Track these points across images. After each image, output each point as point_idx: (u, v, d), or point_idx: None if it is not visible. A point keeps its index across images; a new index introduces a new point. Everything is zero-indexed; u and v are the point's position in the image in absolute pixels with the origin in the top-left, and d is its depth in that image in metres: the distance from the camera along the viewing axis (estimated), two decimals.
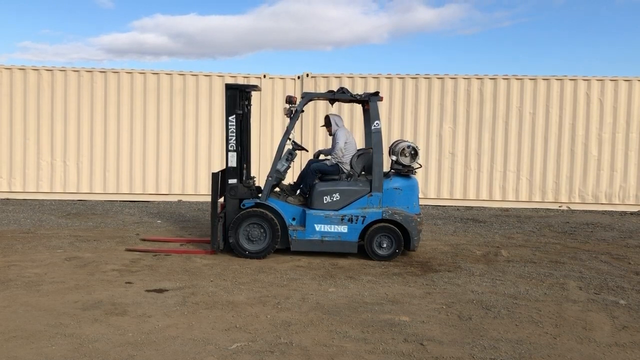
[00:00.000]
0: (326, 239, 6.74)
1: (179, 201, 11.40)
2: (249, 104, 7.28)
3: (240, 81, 11.45)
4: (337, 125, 7.07)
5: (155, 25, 39.72)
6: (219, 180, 6.87)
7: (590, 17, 32.79)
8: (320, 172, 7.03)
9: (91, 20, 40.47)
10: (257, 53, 41.51)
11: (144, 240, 7.63)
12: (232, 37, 38.81)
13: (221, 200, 7.04)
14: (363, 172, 7.07)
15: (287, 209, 6.85)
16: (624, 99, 11.37)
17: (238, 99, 6.85)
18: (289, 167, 7.03)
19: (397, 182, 6.90)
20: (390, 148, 7.27)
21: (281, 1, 39.93)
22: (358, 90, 11.24)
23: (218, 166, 11.37)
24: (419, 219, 6.84)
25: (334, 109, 10.90)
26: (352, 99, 7.00)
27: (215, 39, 40.08)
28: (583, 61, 32.44)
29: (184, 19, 39.18)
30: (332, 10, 38.25)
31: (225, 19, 39.32)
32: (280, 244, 6.76)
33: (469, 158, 11.55)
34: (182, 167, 11.45)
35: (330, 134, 7.18)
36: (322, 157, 7.54)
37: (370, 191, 6.78)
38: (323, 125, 7.34)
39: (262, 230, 6.72)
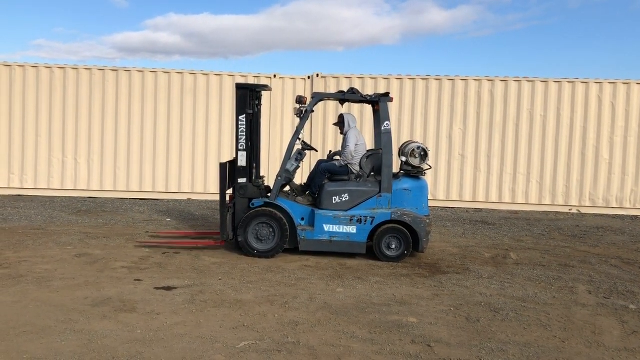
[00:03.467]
0: (335, 239, 6.75)
1: (189, 199, 11.45)
2: (259, 104, 7.29)
3: (251, 81, 11.48)
4: (349, 125, 7.07)
5: (168, 24, 39.94)
6: (227, 171, 6.89)
7: (604, 20, 32.56)
8: (329, 172, 7.03)
9: (105, 19, 40.78)
10: (269, 53, 41.60)
11: (154, 235, 7.69)
12: (244, 37, 38.95)
13: (229, 192, 7.06)
14: (372, 173, 7.06)
15: (296, 209, 6.86)
16: (636, 102, 11.27)
17: (248, 98, 6.88)
18: (298, 167, 7.04)
19: (406, 183, 6.89)
20: (400, 149, 7.26)
21: (293, 2, 39.98)
22: (368, 90, 11.23)
23: None
24: (428, 221, 6.83)
25: (344, 109, 10.90)
26: (363, 99, 7.00)
27: (228, 39, 40.23)
28: (595, 64, 32.22)
29: (197, 18, 39.36)
30: (345, 11, 38.24)
31: (237, 19, 39.45)
32: (289, 243, 6.77)
33: (478, 160, 11.50)
34: (192, 165, 11.49)
35: (341, 133, 7.19)
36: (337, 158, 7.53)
37: (380, 192, 6.77)
38: (335, 124, 7.35)
39: (271, 230, 6.74)
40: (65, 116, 11.26)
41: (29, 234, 7.64)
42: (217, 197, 11.38)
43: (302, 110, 6.80)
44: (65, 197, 11.14)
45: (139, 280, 5.61)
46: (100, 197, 11.27)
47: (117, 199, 11.26)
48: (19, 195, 11.14)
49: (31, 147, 11.24)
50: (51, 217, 9.00)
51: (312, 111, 6.98)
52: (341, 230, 6.74)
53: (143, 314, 4.60)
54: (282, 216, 6.73)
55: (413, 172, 6.95)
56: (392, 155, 6.82)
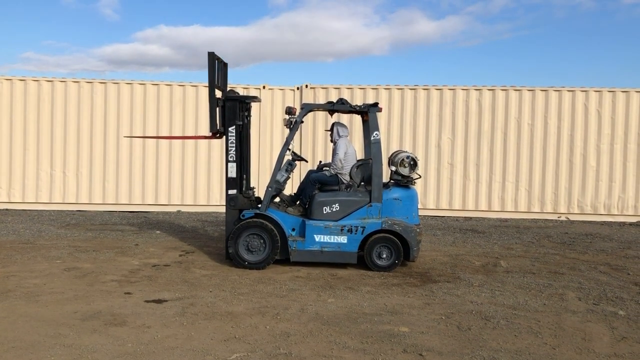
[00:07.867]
0: (326, 249, 6.75)
1: (178, 211, 11.40)
2: (249, 115, 7.31)
3: (240, 92, 11.44)
4: (338, 134, 7.10)
5: (158, 36, 39.93)
6: (215, 61, 6.85)
7: (590, 30, 33.02)
8: (319, 182, 7.05)
9: (96, 31, 40.69)
10: (259, 64, 41.70)
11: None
12: (234, 49, 39.00)
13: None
14: (362, 183, 7.08)
15: (287, 220, 6.86)
16: (621, 110, 11.43)
17: (238, 110, 6.90)
18: (288, 177, 7.05)
19: (396, 193, 6.92)
20: (389, 159, 7.29)
21: (283, 13, 40.20)
22: (357, 101, 11.29)
23: (217, 177, 11.39)
24: (418, 230, 6.85)
25: (334, 119, 10.93)
26: (352, 109, 7.03)
27: (218, 51, 40.13)
28: (582, 72, 32.62)
29: (187, 30, 39.40)
30: (334, 22, 38.48)
31: (227, 31, 39.55)
32: (280, 254, 6.76)
33: (467, 169, 11.58)
34: (181, 177, 11.46)
35: (331, 142, 7.23)
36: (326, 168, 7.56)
37: (370, 202, 6.79)
38: (327, 130, 7.41)
39: (261, 241, 6.73)
40: (53, 129, 11.21)
41: (17, 248, 7.57)
42: (207, 209, 11.40)
43: (291, 121, 6.82)
44: (54, 211, 11.06)
45: (129, 293, 5.57)
46: (89, 210, 11.20)
47: (106, 211, 11.19)
48: (7, 210, 11.04)
49: (19, 161, 11.16)
50: (39, 231, 8.92)
51: (302, 122, 7.01)
52: (332, 241, 6.74)
53: (133, 328, 4.57)
54: (272, 227, 6.72)
55: (403, 182, 6.98)
56: (381, 164, 6.85)
